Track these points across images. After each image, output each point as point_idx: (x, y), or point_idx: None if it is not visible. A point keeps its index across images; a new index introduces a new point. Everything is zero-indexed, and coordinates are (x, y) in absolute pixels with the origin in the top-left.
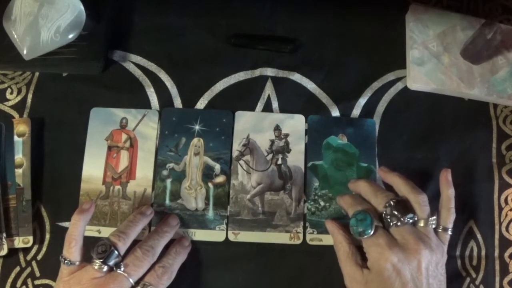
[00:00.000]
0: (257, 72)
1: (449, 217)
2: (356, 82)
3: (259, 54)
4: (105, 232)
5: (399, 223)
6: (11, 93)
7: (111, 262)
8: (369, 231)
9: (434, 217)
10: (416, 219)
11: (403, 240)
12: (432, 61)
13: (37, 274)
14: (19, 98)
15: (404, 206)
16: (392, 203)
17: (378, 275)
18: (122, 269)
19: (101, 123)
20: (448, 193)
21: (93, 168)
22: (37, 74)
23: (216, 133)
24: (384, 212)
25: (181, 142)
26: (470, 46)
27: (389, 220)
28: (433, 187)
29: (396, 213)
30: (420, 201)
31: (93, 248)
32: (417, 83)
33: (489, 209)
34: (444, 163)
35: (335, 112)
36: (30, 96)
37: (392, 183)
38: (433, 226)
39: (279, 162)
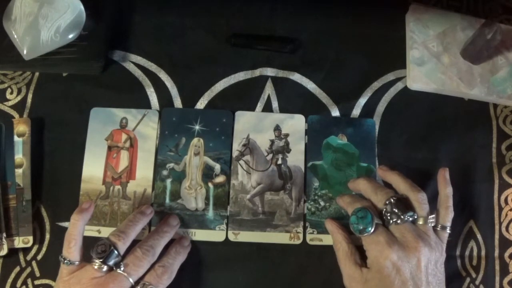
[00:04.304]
0: (257, 72)
1: (448, 216)
2: (356, 82)
3: (259, 54)
4: (105, 232)
5: (399, 221)
6: (11, 93)
7: (111, 262)
8: (370, 228)
9: (433, 215)
10: (415, 217)
11: (402, 238)
12: (432, 61)
13: (37, 274)
14: (19, 98)
15: (404, 204)
16: (392, 200)
17: (377, 273)
18: (122, 268)
19: (101, 123)
20: (446, 191)
21: (93, 168)
22: (37, 74)
23: (216, 133)
24: (384, 209)
25: (181, 142)
26: (470, 46)
27: (389, 217)
28: (433, 187)
29: (396, 210)
30: (419, 199)
31: (92, 248)
32: (417, 83)
33: (489, 209)
34: (444, 163)
35: (335, 112)
36: (30, 96)
37: (391, 181)
38: (432, 225)
39: (279, 162)
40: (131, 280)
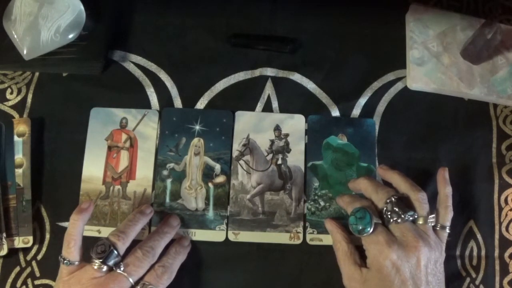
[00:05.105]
0: (257, 72)
1: (447, 215)
2: (356, 82)
3: (259, 54)
4: (105, 232)
5: (399, 220)
6: (11, 93)
7: (111, 262)
8: (369, 229)
9: (433, 215)
10: (416, 216)
11: (402, 237)
12: (432, 61)
13: (37, 274)
14: (19, 98)
15: (405, 203)
16: (393, 199)
17: (377, 272)
18: (122, 268)
19: (101, 123)
20: (445, 191)
21: (93, 168)
22: (37, 74)
23: (216, 133)
24: (385, 208)
25: (181, 142)
26: (470, 46)
27: (389, 216)
28: (433, 186)
29: (397, 209)
30: (419, 199)
31: (92, 248)
32: (417, 83)
33: (489, 209)
34: (443, 163)
35: (335, 112)
36: (30, 96)
37: (391, 180)
38: (432, 224)
39: (279, 162)
40: (131, 280)
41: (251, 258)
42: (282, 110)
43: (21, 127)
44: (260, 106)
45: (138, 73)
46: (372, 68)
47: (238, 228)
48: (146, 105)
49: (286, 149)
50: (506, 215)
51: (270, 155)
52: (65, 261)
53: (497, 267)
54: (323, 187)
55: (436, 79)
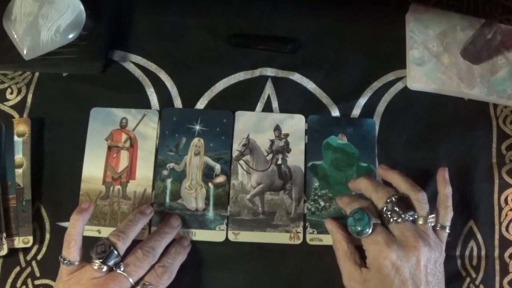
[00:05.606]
0: (257, 72)
1: (447, 215)
2: (356, 82)
3: (259, 54)
4: (105, 232)
5: (399, 220)
6: (11, 93)
7: (111, 262)
8: (367, 230)
9: (433, 215)
10: (416, 216)
11: (402, 237)
12: (432, 61)
13: (37, 274)
14: (19, 98)
15: (405, 203)
16: (393, 199)
17: (377, 272)
18: (122, 269)
19: (101, 123)
20: (445, 191)
21: (93, 168)
22: (37, 74)
23: (216, 133)
24: (385, 207)
25: (182, 142)
26: (470, 46)
27: (389, 216)
28: (433, 186)
29: (397, 209)
30: (419, 199)
31: (92, 248)
32: (417, 83)
33: (489, 209)
34: (444, 163)
35: (335, 112)
36: (30, 96)
37: (391, 180)
38: (432, 224)
39: (279, 162)
40: (131, 280)
41: (251, 258)
42: (282, 110)
43: (21, 127)
44: (260, 106)
45: (138, 73)
46: (372, 68)
47: (238, 228)
48: (146, 105)
49: (286, 149)
50: (506, 215)
51: (270, 155)
52: (65, 261)
53: (497, 267)
54: (323, 187)
55: (436, 79)
